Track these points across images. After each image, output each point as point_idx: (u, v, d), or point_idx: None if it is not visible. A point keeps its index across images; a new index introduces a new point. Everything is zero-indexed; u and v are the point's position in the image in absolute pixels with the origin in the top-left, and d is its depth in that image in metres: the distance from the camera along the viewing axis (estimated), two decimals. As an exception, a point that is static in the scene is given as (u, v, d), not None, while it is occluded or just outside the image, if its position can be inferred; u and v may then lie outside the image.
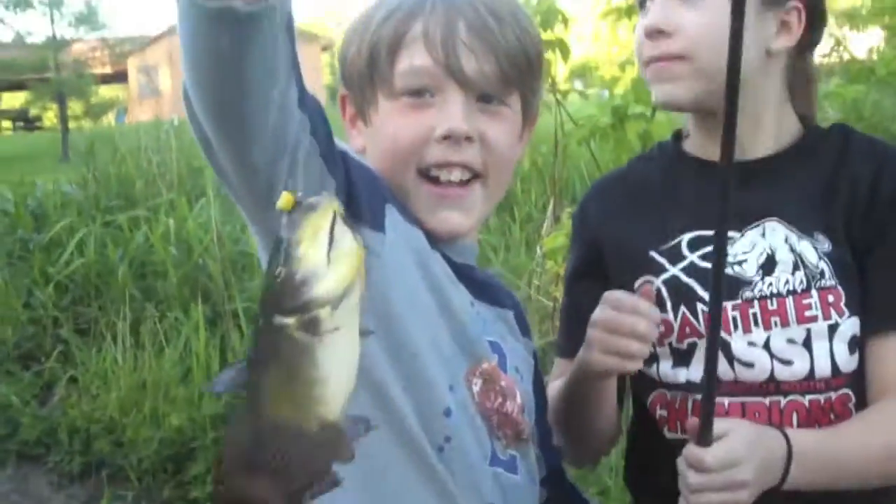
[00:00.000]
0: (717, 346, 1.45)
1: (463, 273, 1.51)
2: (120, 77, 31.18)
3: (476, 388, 1.46)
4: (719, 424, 1.47)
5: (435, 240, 1.48)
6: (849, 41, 18.60)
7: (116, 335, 5.10)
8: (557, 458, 1.75)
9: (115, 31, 24.34)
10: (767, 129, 1.74)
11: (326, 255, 0.99)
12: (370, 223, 1.35)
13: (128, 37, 27.41)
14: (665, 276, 1.71)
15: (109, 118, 23.82)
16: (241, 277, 5.56)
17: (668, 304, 1.70)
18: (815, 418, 1.64)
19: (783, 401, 1.64)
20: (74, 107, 23.08)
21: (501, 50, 1.47)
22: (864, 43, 18.86)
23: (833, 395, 1.64)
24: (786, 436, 1.51)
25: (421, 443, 1.38)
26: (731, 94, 1.33)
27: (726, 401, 1.65)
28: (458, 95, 1.46)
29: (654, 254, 1.73)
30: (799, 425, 1.63)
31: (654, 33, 1.66)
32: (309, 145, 1.23)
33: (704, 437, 1.44)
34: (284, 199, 0.99)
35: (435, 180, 1.47)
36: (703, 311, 1.67)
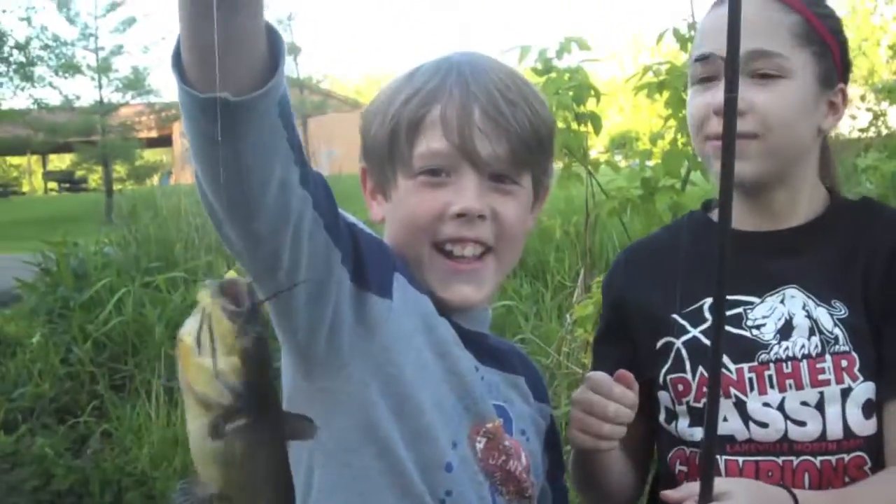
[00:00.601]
0: (717, 408, 1.48)
1: (472, 339, 1.60)
2: (165, 141, 31.68)
3: (480, 446, 1.54)
4: (721, 485, 1.49)
5: (447, 310, 1.56)
6: (888, 115, 18.65)
7: (150, 392, 5.19)
8: None
9: (161, 95, 24.59)
10: (803, 202, 1.80)
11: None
12: (378, 290, 1.44)
13: (174, 101, 27.82)
14: (686, 337, 1.77)
15: (153, 181, 24.14)
16: (273, 338, 5.62)
17: (688, 365, 1.76)
18: (828, 479, 1.67)
19: (796, 461, 1.68)
20: (119, 169, 23.47)
21: (513, 133, 1.56)
22: (904, 118, 18.85)
23: (846, 457, 1.67)
24: (792, 494, 1.54)
25: (422, 496, 1.45)
26: (727, 160, 1.38)
27: (740, 459, 1.70)
28: (472, 176, 1.55)
29: (676, 316, 1.78)
30: (810, 486, 1.67)
31: None
32: (312, 219, 1.30)
33: (704, 496, 1.47)
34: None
35: (449, 254, 1.55)
36: (722, 374, 1.70)
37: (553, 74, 4.82)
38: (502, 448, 1.56)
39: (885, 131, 18.82)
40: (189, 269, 6.46)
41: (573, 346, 5.51)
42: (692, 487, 1.53)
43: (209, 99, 1.12)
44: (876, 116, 19.04)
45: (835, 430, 1.67)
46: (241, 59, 1.14)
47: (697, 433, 1.72)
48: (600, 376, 1.61)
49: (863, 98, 19.71)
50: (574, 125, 5.08)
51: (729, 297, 1.69)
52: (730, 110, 1.36)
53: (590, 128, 4.66)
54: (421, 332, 1.49)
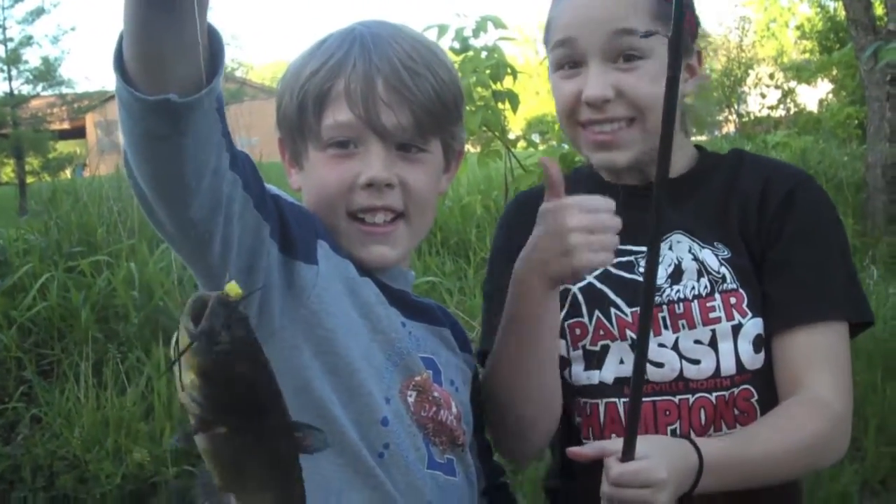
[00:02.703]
0: (644, 366, 1.51)
1: (397, 296, 1.65)
2: (78, 133, 31.09)
3: (411, 400, 1.58)
4: (639, 446, 1.51)
5: (368, 270, 1.61)
6: (796, 93, 19.02)
7: (79, 375, 5.18)
8: (499, 473, 1.85)
9: (73, 87, 24.09)
10: (677, 160, 1.82)
11: None
12: (304, 258, 1.48)
13: (86, 92, 27.29)
14: (581, 283, 1.81)
15: (67, 173, 23.71)
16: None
17: (584, 309, 1.80)
18: (721, 414, 1.72)
19: (692, 398, 1.73)
20: (32, 162, 22.99)
21: (417, 103, 1.60)
22: (813, 95, 19.26)
23: (735, 390, 1.73)
24: (696, 447, 1.56)
25: (360, 451, 1.49)
26: (666, 127, 1.43)
27: (643, 400, 1.68)
28: (378, 146, 1.60)
29: None
30: (706, 421, 1.72)
31: (600, 102, 1.74)
32: (242, 199, 1.34)
33: (627, 453, 1.50)
34: (231, 288, 1.09)
35: (362, 221, 1.61)
36: (616, 315, 1.77)
37: (470, 53, 4.91)
38: (432, 399, 1.62)
39: (794, 109, 19.25)
40: (112, 253, 6.43)
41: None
42: (605, 445, 1.57)
43: (159, 101, 1.15)
44: (785, 94, 19.44)
45: (728, 366, 1.73)
46: (189, 61, 1.17)
47: (594, 376, 1.78)
48: (588, 198, 1.63)
49: (772, 76, 20.11)
50: (492, 103, 5.19)
51: (619, 247, 1.74)
52: (671, 91, 1.41)
53: (507, 105, 4.77)
54: (346, 295, 1.54)
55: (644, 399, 1.68)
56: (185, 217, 1.28)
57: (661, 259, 1.77)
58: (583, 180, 1.90)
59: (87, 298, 5.80)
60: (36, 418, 5.19)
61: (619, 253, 1.76)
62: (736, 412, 1.74)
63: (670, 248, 1.81)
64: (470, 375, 1.77)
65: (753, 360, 1.74)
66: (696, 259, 1.79)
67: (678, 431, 1.73)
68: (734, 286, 1.76)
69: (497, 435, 1.83)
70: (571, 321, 1.81)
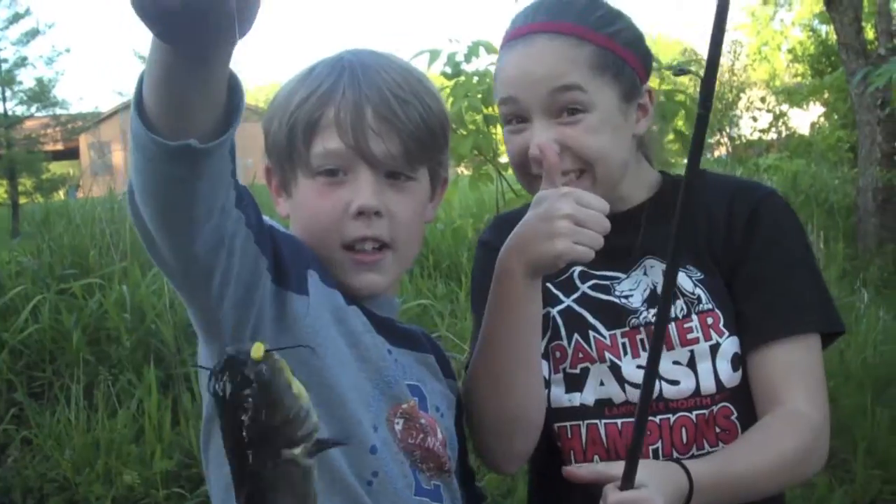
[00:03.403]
0: (650, 399, 1.55)
1: (383, 324, 1.67)
2: (72, 154, 31.10)
3: (398, 427, 1.60)
4: (637, 473, 1.53)
5: (357, 298, 1.64)
6: (788, 117, 19.11)
7: (70, 398, 5.17)
8: (481, 498, 1.88)
9: (67, 108, 24.14)
10: (640, 188, 1.90)
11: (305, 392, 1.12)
12: (296, 289, 1.51)
13: (79, 113, 27.30)
14: (560, 306, 1.85)
15: (60, 194, 23.70)
16: (192, 342, 5.65)
17: (563, 332, 1.83)
18: (702, 432, 1.76)
19: (672, 418, 1.76)
20: (26, 182, 22.99)
21: (406, 132, 1.63)
22: (805, 119, 19.35)
23: (715, 408, 1.76)
24: (686, 469, 1.59)
25: (350, 479, 1.51)
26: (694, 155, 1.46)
27: (619, 422, 1.78)
28: (367, 174, 1.62)
29: (549, 285, 1.85)
30: (687, 440, 1.76)
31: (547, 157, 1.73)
32: (245, 234, 1.37)
33: (628, 480, 1.52)
34: (256, 349, 1.09)
35: (353, 249, 1.64)
36: (594, 338, 1.80)
37: (462, 78, 4.94)
38: (419, 427, 1.64)
39: (785, 132, 19.33)
40: (104, 275, 6.43)
41: (488, 342, 5.62)
42: (602, 469, 1.60)
43: (180, 146, 1.17)
44: (776, 118, 19.52)
45: (708, 385, 1.76)
46: (212, 108, 1.19)
47: (574, 399, 1.81)
48: (585, 193, 1.64)
49: (763, 100, 20.20)
50: (484, 127, 5.21)
51: (595, 272, 1.85)
52: (701, 124, 1.44)
53: (499, 129, 4.79)
54: (334, 324, 1.56)
55: (625, 419, 1.78)
56: (188, 252, 1.30)
57: (636, 286, 1.84)
58: None
59: (78, 321, 5.80)
60: (27, 440, 5.18)
61: (595, 277, 1.84)
62: (717, 430, 1.77)
63: (645, 274, 1.85)
64: (454, 401, 1.79)
65: (731, 378, 1.77)
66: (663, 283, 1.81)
67: (660, 451, 1.76)
68: (710, 307, 1.79)
69: (478, 436, 1.82)
70: (552, 344, 1.83)
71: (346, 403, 1.53)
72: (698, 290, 1.81)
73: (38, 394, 5.57)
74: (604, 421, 1.79)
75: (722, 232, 1.85)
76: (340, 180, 1.63)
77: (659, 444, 1.77)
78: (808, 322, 1.82)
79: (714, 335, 1.78)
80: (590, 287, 1.85)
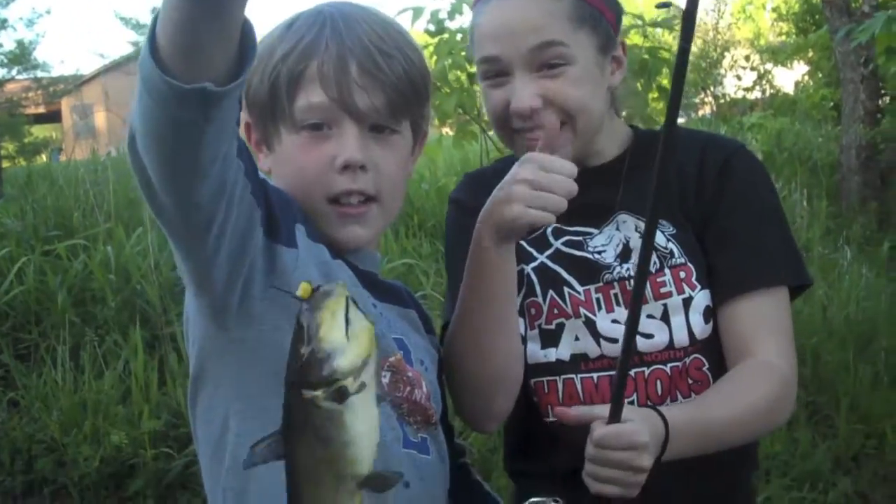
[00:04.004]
0: (636, 327, 1.57)
1: (367, 278, 1.68)
2: (54, 116, 30.91)
3: (385, 380, 1.60)
4: (623, 412, 1.56)
5: (341, 251, 1.64)
6: (773, 76, 19.09)
7: (56, 359, 5.17)
8: (461, 453, 1.88)
9: (49, 70, 24.03)
10: (613, 142, 1.91)
11: (345, 333, 1.11)
12: (286, 242, 1.51)
13: (61, 76, 27.14)
14: (534, 263, 1.86)
15: (43, 157, 23.61)
16: (178, 302, 5.65)
17: (538, 289, 1.84)
18: (675, 384, 1.79)
19: (647, 371, 1.79)
20: (8, 146, 22.88)
21: (389, 85, 1.63)
22: (789, 77, 19.33)
23: (688, 360, 1.80)
24: (662, 416, 1.61)
25: None
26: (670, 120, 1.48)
27: (595, 376, 1.80)
28: (352, 128, 1.62)
29: (523, 243, 1.85)
30: (662, 392, 1.79)
31: (528, 112, 1.77)
32: (243, 185, 1.37)
33: (614, 416, 1.55)
34: (303, 289, 1.12)
35: (338, 202, 1.64)
36: (569, 294, 1.82)
37: (446, 35, 4.93)
38: (406, 379, 1.64)
39: (769, 91, 19.31)
40: (88, 237, 6.42)
41: (473, 301, 5.64)
42: (592, 409, 1.62)
43: (195, 89, 1.16)
44: (761, 77, 19.49)
45: (681, 338, 1.80)
46: (227, 51, 1.19)
47: (552, 354, 1.83)
48: (546, 156, 1.63)
49: (747, 59, 20.15)
50: (467, 85, 5.20)
51: (569, 228, 1.86)
52: (681, 60, 1.45)
53: (483, 87, 4.79)
54: (320, 279, 1.53)
55: (601, 374, 1.80)
56: (190, 201, 1.29)
57: (608, 241, 1.85)
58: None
59: (63, 282, 5.79)
60: (13, 402, 5.17)
61: (568, 233, 1.85)
62: (689, 381, 1.81)
63: (617, 229, 1.86)
64: (436, 356, 1.80)
65: (703, 331, 1.81)
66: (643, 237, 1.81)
67: (636, 403, 1.78)
68: (682, 260, 1.81)
69: (458, 396, 1.83)
70: (527, 301, 1.85)
71: None
72: (671, 245, 1.83)
73: (24, 355, 5.56)
74: (580, 375, 1.81)
75: (693, 186, 1.87)
76: (325, 134, 1.63)
77: (634, 397, 1.79)
78: (778, 275, 1.85)
79: (686, 289, 1.80)
80: (563, 243, 1.86)
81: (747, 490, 2.00)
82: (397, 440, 1.60)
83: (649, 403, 1.77)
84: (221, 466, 1.55)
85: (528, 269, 1.86)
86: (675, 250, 1.82)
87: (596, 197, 1.81)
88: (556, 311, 1.83)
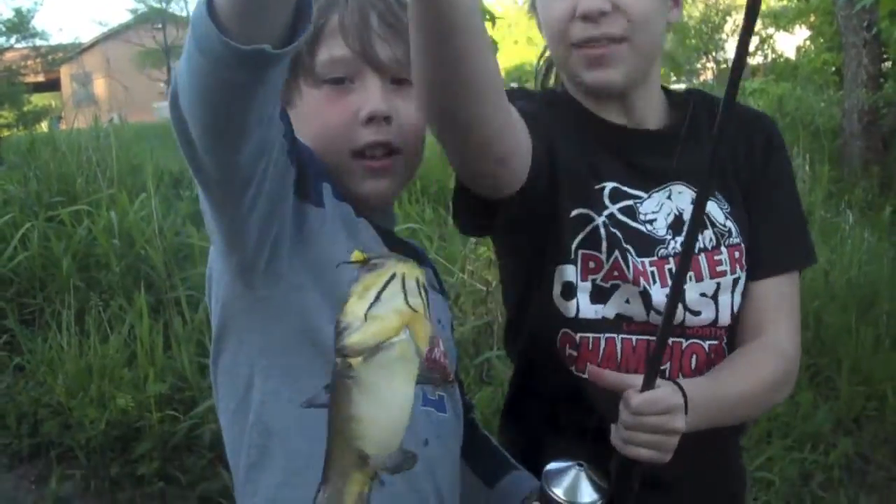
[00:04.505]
0: (677, 302, 1.56)
1: (389, 238, 1.67)
2: (53, 85, 30.87)
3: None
4: (636, 379, 1.58)
5: (363, 208, 1.63)
6: (774, 40, 19.01)
7: (61, 324, 5.18)
8: (468, 409, 1.86)
9: (47, 38, 23.95)
10: (657, 101, 1.87)
11: (365, 311, 1.08)
12: (314, 201, 1.50)
13: (60, 44, 27.05)
14: (603, 218, 1.78)
15: (43, 126, 23.58)
16: (182, 266, 5.68)
17: (604, 246, 1.77)
18: (712, 362, 1.79)
19: (685, 343, 1.78)
20: (7, 115, 22.83)
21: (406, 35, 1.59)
22: (791, 42, 19.26)
23: (724, 339, 1.81)
24: (681, 387, 1.61)
25: None
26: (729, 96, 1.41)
27: (634, 338, 1.77)
28: (375, 80, 1.61)
29: (606, 197, 1.79)
30: (696, 366, 1.78)
31: (596, 15, 1.71)
32: (280, 146, 1.37)
33: (648, 384, 1.56)
34: (355, 256, 1.10)
35: (362, 156, 1.62)
36: (632, 262, 1.75)
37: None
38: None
39: (771, 56, 19.24)
40: (92, 202, 6.43)
41: (476, 265, 5.67)
42: (624, 379, 1.62)
43: (254, 50, 1.15)
44: (762, 41, 19.42)
45: (725, 317, 1.79)
46: (285, 11, 1.18)
47: (599, 311, 1.77)
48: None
49: (750, 23, 20.03)
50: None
51: (623, 189, 1.80)
52: (743, 41, 1.38)
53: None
54: (346, 239, 1.55)
55: (640, 336, 1.78)
56: (232, 161, 1.29)
57: (658, 208, 1.81)
58: (560, 106, 1.86)
59: (68, 248, 5.81)
60: (19, 367, 5.21)
61: (619, 195, 1.79)
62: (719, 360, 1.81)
63: (669, 198, 1.82)
64: (450, 316, 1.81)
65: (738, 310, 1.81)
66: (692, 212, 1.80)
67: (668, 373, 1.77)
68: (738, 240, 1.81)
69: (437, 123, 1.53)
70: (585, 251, 1.78)
71: None
72: (729, 223, 1.82)
73: (30, 321, 5.60)
74: (621, 336, 1.78)
75: (743, 164, 1.86)
76: (347, 88, 1.62)
77: (668, 366, 1.78)
78: (801, 258, 1.89)
79: (738, 269, 1.81)
80: (619, 209, 1.79)
81: (737, 451, 2.03)
82: (417, 398, 1.59)
83: (681, 377, 1.76)
84: (245, 423, 1.55)
85: (599, 220, 1.78)
86: (733, 229, 1.81)
87: (648, 162, 1.81)
88: (616, 272, 1.76)
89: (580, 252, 1.78)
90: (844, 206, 8.02)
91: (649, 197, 1.81)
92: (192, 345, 4.97)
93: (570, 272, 1.77)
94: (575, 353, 1.81)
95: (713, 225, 1.80)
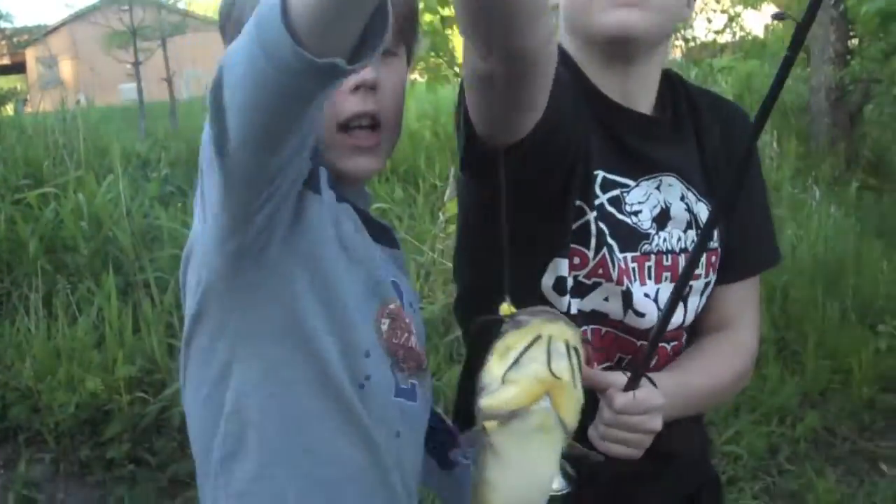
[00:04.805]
0: (673, 311, 1.58)
1: (367, 221, 1.62)
2: (18, 68, 30.57)
3: (384, 328, 1.56)
4: (616, 377, 1.58)
5: (347, 184, 1.60)
6: (742, 18, 19.06)
7: (29, 307, 5.16)
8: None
9: (12, 21, 23.69)
10: (655, 80, 1.80)
11: (503, 374, 1.04)
12: (313, 187, 1.47)
13: (25, 27, 26.80)
14: (598, 204, 1.71)
15: (8, 109, 23.36)
16: (150, 248, 5.66)
17: (593, 242, 1.71)
18: (668, 361, 1.79)
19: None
20: (-27, 98, 22.63)
21: (395, 8, 1.62)
22: (759, 20, 19.31)
23: (684, 339, 1.82)
24: (653, 383, 1.61)
25: (343, 383, 1.48)
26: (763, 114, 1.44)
27: (603, 329, 1.74)
28: None
29: (592, 175, 1.71)
30: (657, 367, 1.74)
31: None
32: (309, 143, 1.35)
33: (633, 384, 1.57)
34: (503, 309, 1.08)
35: (347, 132, 1.57)
36: (616, 260, 1.71)
37: (416, -22, 4.88)
38: (404, 326, 1.60)
39: (739, 33, 19.29)
40: (59, 185, 6.38)
41: (447, 244, 5.67)
42: (610, 378, 1.60)
43: (328, 64, 1.12)
44: (731, 19, 19.47)
45: (689, 319, 1.80)
46: (362, 25, 1.15)
47: (574, 304, 1.72)
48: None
49: (718, 1, 20.08)
50: (440, 28, 5.19)
51: (612, 177, 1.73)
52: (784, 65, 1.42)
53: (455, 31, 4.77)
54: (331, 224, 1.52)
55: (609, 329, 1.76)
56: (268, 160, 1.28)
57: (645, 199, 1.76)
58: (570, 66, 1.73)
59: (35, 231, 5.76)
60: (-14, 350, 5.18)
61: (608, 184, 1.73)
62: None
63: (658, 189, 1.77)
64: (419, 297, 1.78)
65: (700, 310, 1.83)
66: (689, 210, 1.78)
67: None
68: (717, 245, 1.80)
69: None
70: (575, 246, 1.72)
71: (345, 306, 1.50)
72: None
73: (-4, 305, 5.56)
74: (591, 326, 1.75)
75: (723, 163, 1.83)
76: None
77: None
78: (768, 260, 1.91)
79: (711, 273, 1.80)
80: (608, 200, 1.73)
81: (702, 428, 2.04)
82: (390, 389, 1.57)
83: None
84: (219, 411, 1.52)
85: (591, 217, 1.71)
86: (715, 233, 1.78)
87: (641, 147, 1.76)
88: (600, 270, 1.71)
89: (570, 246, 1.72)
90: (811, 182, 8.07)
91: (637, 185, 1.76)
92: (162, 326, 4.95)
93: (563, 266, 1.72)
94: None
95: (697, 226, 1.78)
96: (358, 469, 1.53)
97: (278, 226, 1.42)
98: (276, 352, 1.48)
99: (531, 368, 1.03)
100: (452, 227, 5.70)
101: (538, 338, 1.03)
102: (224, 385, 1.51)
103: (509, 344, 1.04)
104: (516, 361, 1.03)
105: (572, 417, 1.08)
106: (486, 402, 1.05)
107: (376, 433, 1.52)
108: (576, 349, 1.05)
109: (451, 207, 5.18)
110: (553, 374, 1.03)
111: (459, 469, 1.82)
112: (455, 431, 1.84)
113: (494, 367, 1.04)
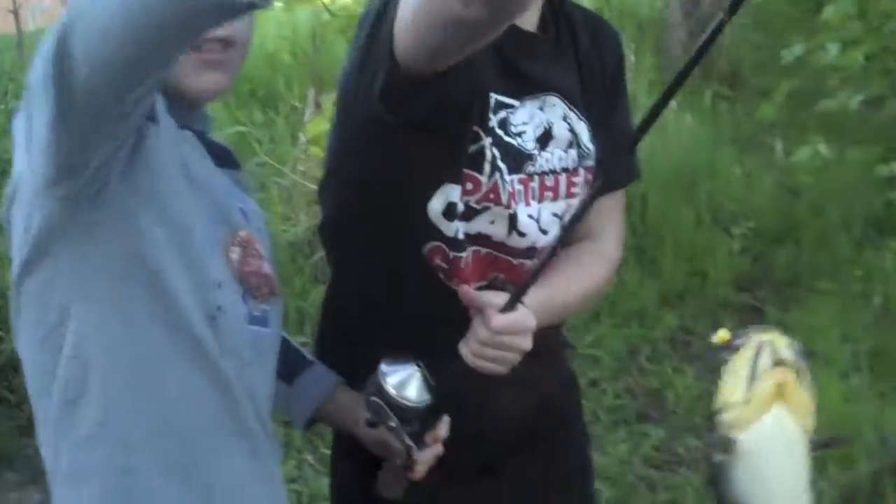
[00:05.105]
0: (566, 236, 1.63)
1: (209, 146, 1.59)
2: None
3: (234, 256, 1.52)
4: (493, 296, 1.62)
5: (189, 105, 1.56)
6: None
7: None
8: None
9: None
10: (538, 3, 1.77)
11: (745, 389, 1.14)
12: (150, 116, 1.41)
13: None
14: (491, 128, 1.72)
15: None
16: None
17: (487, 168, 1.71)
18: None
19: (528, 263, 1.76)
20: None
21: None
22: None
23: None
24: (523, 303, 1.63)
25: (193, 318, 1.44)
26: None
27: (483, 250, 1.75)
28: None
29: (486, 99, 1.70)
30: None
31: None
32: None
33: (512, 306, 1.58)
34: (719, 338, 1.18)
35: (197, 48, 1.49)
36: (505, 184, 1.71)
37: None
38: (255, 253, 1.57)
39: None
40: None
41: (308, 165, 5.62)
42: (484, 296, 1.63)
43: (248, 3, 1.10)
44: (588, -65, 19.45)
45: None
46: None
47: (462, 228, 1.72)
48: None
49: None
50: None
51: (503, 98, 1.73)
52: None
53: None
54: (172, 154, 1.48)
55: (489, 251, 1.78)
56: (124, 97, 1.25)
57: (530, 119, 1.76)
58: None
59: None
60: None
61: (498, 106, 1.72)
62: None
63: (541, 109, 1.77)
64: (265, 216, 1.74)
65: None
66: (571, 130, 1.79)
67: (506, 287, 1.77)
68: (591, 163, 1.82)
69: None
70: (468, 171, 1.72)
71: (193, 238, 1.46)
72: (591, 145, 1.82)
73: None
74: (472, 248, 1.75)
75: (598, 78, 1.85)
76: None
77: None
78: (632, 174, 1.97)
79: (586, 190, 1.81)
80: (497, 123, 1.72)
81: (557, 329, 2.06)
82: (244, 318, 1.53)
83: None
84: (58, 354, 1.45)
85: (486, 142, 1.71)
86: (593, 151, 1.82)
87: (523, 66, 1.76)
88: (492, 196, 1.71)
89: (463, 171, 1.72)
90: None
91: (522, 106, 1.75)
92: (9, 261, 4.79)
93: (455, 192, 1.72)
94: (446, 268, 1.76)
95: (578, 145, 1.80)
96: (208, 407, 1.49)
97: (116, 164, 1.36)
98: (119, 290, 1.43)
99: (761, 373, 1.16)
100: (314, 149, 5.64)
101: (760, 347, 1.16)
102: (63, 328, 1.44)
103: (736, 367, 1.17)
104: (753, 376, 1.15)
105: (804, 416, 1.18)
106: (733, 415, 1.17)
107: (226, 366, 1.48)
108: (794, 348, 1.17)
109: (312, 128, 5.13)
110: (785, 363, 1.16)
111: (303, 378, 1.82)
112: (302, 354, 1.85)
113: (731, 387, 1.17)
